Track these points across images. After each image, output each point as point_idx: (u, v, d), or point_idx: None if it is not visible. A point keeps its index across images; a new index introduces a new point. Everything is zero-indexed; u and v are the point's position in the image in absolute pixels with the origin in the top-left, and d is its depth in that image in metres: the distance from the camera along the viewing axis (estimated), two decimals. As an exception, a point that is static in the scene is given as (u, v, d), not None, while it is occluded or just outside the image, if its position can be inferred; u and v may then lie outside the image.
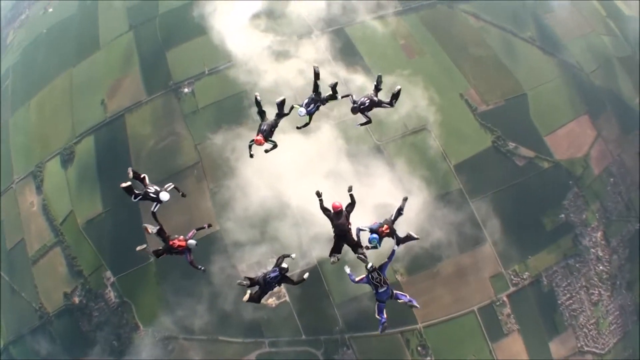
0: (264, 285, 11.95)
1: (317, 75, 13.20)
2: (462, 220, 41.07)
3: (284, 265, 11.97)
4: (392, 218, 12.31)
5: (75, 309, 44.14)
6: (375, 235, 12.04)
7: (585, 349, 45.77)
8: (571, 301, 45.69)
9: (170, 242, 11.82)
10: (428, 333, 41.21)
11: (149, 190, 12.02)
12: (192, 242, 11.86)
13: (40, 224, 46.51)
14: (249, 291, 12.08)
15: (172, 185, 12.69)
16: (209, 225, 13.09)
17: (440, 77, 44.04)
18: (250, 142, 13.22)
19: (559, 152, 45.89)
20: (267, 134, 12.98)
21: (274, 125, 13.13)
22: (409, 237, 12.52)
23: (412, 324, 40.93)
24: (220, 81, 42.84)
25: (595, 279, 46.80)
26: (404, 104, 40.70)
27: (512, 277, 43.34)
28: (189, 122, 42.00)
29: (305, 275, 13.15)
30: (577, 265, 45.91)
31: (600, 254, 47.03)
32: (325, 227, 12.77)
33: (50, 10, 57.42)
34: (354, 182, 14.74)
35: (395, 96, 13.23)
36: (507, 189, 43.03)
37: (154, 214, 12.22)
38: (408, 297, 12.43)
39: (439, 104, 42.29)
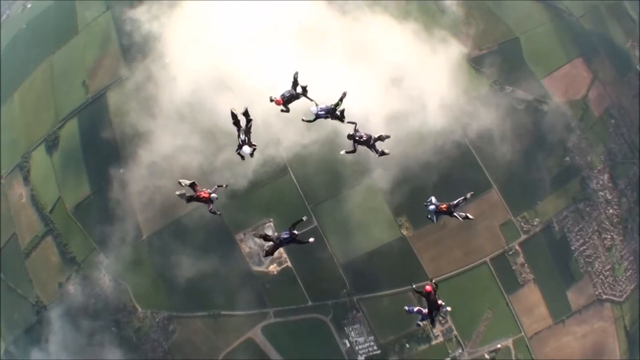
0: (277, 243, 14.03)
1: (341, 99, 14.68)
2: (464, 166, 39.41)
3: (296, 231, 13.94)
4: (455, 202, 14.54)
5: (71, 299, 42.30)
6: (433, 207, 14.43)
7: (604, 296, 43.84)
8: (585, 247, 43.81)
9: (197, 193, 14.02)
10: (441, 288, 38.35)
11: (241, 136, 13.94)
12: (214, 195, 14.17)
13: (30, 215, 44.93)
14: (265, 248, 14.27)
15: (255, 147, 14.22)
16: (226, 186, 15.04)
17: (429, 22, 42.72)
18: (271, 99, 14.72)
19: (557, 94, 44.59)
20: (287, 101, 14.70)
21: (294, 97, 14.76)
22: (465, 217, 14.94)
23: (424, 279, 39.01)
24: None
25: (607, 223, 44.98)
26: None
27: (523, 224, 41.50)
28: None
29: (311, 240, 14.58)
30: (587, 209, 44.06)
31: (609, 197, 45.36)
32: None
33: (29, 5, 56.56)
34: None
35: (382, 153, 14.87)
36: (509, 132, 41.51)
37: (240, 155, 13.98)
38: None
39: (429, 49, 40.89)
